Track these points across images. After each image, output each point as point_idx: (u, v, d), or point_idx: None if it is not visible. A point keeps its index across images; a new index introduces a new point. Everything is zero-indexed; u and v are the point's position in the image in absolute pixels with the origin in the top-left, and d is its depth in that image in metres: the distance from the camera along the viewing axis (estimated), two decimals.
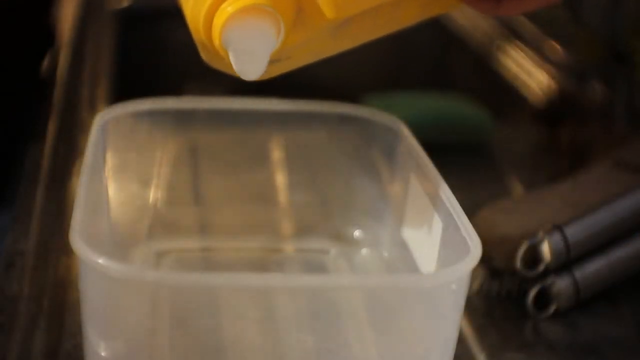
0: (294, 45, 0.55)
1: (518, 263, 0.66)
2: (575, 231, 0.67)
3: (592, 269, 0.67)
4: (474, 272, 0.53)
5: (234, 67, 0.55)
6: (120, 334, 0.52)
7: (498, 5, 0.57)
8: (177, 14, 0.61)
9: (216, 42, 0.54)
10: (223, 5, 0.53)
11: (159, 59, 1.15)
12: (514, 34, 1.09)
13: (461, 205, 0.57)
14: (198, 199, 0.69)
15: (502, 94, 1.05)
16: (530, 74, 1.03)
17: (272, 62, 0.55)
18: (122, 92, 0.82)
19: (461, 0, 0.57)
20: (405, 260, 0.63)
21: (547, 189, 0.75)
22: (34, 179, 0.74)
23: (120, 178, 0.66)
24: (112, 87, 0.93)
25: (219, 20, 0.53)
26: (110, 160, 0.65)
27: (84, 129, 0.81)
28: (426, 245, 0.60)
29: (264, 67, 0.55)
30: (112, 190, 0.65)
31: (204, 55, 0.57)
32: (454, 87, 1.06)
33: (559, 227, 0.66)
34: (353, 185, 0.69)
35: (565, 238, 0.66)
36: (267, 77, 0.56)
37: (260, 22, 0.53)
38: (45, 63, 0.98)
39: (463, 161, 0.86)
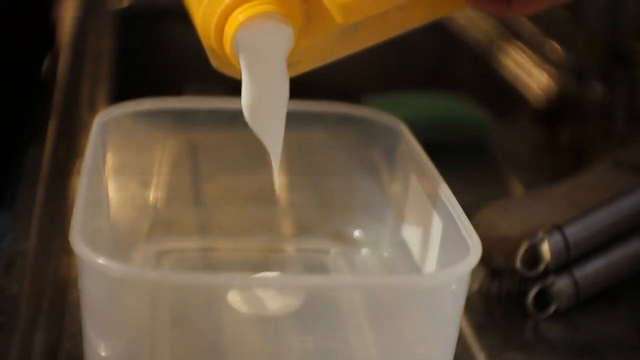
0: (303, 49, 0.56)
1: (518, 263, 0.66)
2: (575, 231, 0.67)
3: (592, 269, 0.67)
4: (474, 272, 0.53)
5: (246, 70, 0.55)
6: (120, 334, 0.52)
7: (508, 6, 0.57)
8: (177, 14, 0.61)
9: (227, 49, 0.54)
10: (234, 13, 0.54)
11: (159, 59, 1.15)
12: (514, 34, 1.09)
13: (461, 205, 0.57)
14: (198, 199, 0.69)
15: (502, 94, 1.05)
16: (530, 74, 1.03)
17: None
18: (122, 92, 0.82)
19: (471, 2, 0.57)
20: (405, 260, 0.63)
21: (547, 189, 0.75)
22: (34, 179, 0.74)
23: (120, 178, 0.66)
24: (112, 87, 0.93)
25: (230, 28, 0.54)
26: (110, 160, 0.65)
27: (84, 129, 0.81)
28: (426, 245, 0.60)
29: (275, 73, 0.55)
30: (112, 190, 0.65)
31: (213, 62, 0.57)
32: (454, 87, 1.06)
33: (559, 227, 0.66)
34: (353, 185, 0.69)
35: (565, 238, 0.66)
36: None
37: (271, 29, 0.54)
38: (46, 63, 0.98)
39: (463, 161, 0.86)
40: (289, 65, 0.56)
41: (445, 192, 0.58)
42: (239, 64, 0.55)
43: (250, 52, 0.54)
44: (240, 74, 0.57)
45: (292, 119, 0.66)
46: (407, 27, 0.59)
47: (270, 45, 0.54)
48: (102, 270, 0.49)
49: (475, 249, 0.52)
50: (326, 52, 0.59)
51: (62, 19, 1.06)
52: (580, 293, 0.67)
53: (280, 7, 0.54)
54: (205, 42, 0.56)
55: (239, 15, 0.54)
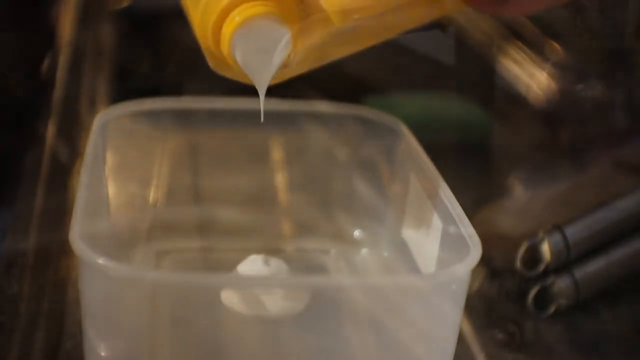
0: (301, 51, 0.56)
1: (518, 263, 0.66)
2: (575, 231, 0.67)
3: (592, 269, 0.67)
4: (474, 272, 0.53)
5: (245, 71, 0.55)
6: (120, 334, 0.52)
7: (505, 5, 0.57)
8: (177, 14, 0.61)
9: (225, 50, 0.54)
10: (232, 15, 0.54)
11: (159, 59, 1.15)
12: (514, 34, 1.09)
13: (461, 205, 0.57)
14: (198, 199, 0.69)
15: (502, 94, 1.05)
16: (530, 74, 1.03)
17: (280, 67, 0.56)
18: (122, 92, 0.82)
19: (468, 2, 0.58)
20: (405, 260, 0.63)
21: (547, 189, 0.75)
22: (34, 179, 0.74)
23: (120, 178, 0.66)
24: (112, 87, 0.93)
25: (227, 29, 0.54)
26: (110, 160, 0.65)
27: (84, 129, 0.81)
28: (426, 245, 0.60)
29: (273, 73, 0.55)
30: (112, 190, 0.65)
31: (211, 63, 0.57)
32: (453, 87, 1.06)
33: (559, 227, 0.66)
34: (353, 185, 0.69)
35: (565, 238, 0.66)
36: (275, 82, 0.57)
37: (269, 30, 0.54)
38: (45, 63, 0.98)
39: (463, 161, 0.86)
40: (287, 66, 0.56)
41: (445, 192, 0.58)
42: (237, 65, 0.55)
43: (248, 53, 0.55)
44: (238, 76, 0.57)
45: (292, 119, 0.66)
46: (404, 28, 0.59)
47: (268, 46, 0.55)
48: (102, 270, 0.49)
49: (475, 249, 0.52)
50: (324, 53, 0.59)
51: (62, 18, 1.06)
52: (580, 293, 0.67)
53: (277, 8, 0.54)
54: (202, 43, 0.56)
55: (237, 17, 0.54)
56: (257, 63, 0.55)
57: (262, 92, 0.57)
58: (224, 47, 0.55)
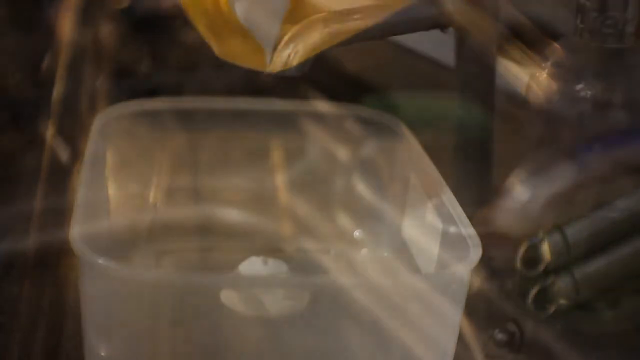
0: (300, 50, 0.56)
1: (518, 263, 0.66)
2: (575, 231, 0.67)
3: (592, 268, 0.67)
4: (474, 272, 0.53)
5: (247, 25, 0.55)
6: (120, 334, 0.52)
7: None
8: (177, 14, 0.61)
9: (224, 7, 0.54)
10: None
11: (159, 59, 1.15)
12: (514, 34, 1.09)
13: (461, 205, 0.57)
14: (198, 199, 0.69)
15: (502, 94, 1.05)
16: (531, 74, 1.03)
17: (282, 68, 0.55)
18: (122, 92, 0.82)
19: None
20: (405, 260, 0.63)
21: (547, 189, 0.75)
22: (34, 179, 0.74)
23: (120, 178, 0.66)
24: (112, 87, 0.93)
25: None
26: (110, 160, 0.65)
27: (84, 129, 0.81)
28: (426, 245, 0.60)
29: (277, 25, 0.55)
30: (112, 190, 0.65)
31: (216, 49, 0.57)
32: (453, 87, 1.06)
33: (559, 227, 0.66)
34: (353, 185, 0.69)
35: (565, 238, 0.66)
36: (274, 70, 0.57)
37: None
38: (45, 63, 0.98)
39: (463, 161, 0.86)
40: (287, 66, 0.56)
41: (445, 192, 0.58)
42: (241, 27, 0.54)
43: (248, 4, 0.54)
44: (244, 59, 0.56)
45: (292, 119, 0.66)
46: (398, 6, 0.58)
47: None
48: (102, 270, 0.49)
49: (475, 249, 0.52)
50: (322, 40, 0.58)
51: (62, 18, 1.06)
52: (580, 293, 0.67)
53: None
54: (200, 19, 0.55)
55: None
56: (259, 14, 0.55)
57: (268, 46, 0.56)
58: (223, 4, 0.54)
